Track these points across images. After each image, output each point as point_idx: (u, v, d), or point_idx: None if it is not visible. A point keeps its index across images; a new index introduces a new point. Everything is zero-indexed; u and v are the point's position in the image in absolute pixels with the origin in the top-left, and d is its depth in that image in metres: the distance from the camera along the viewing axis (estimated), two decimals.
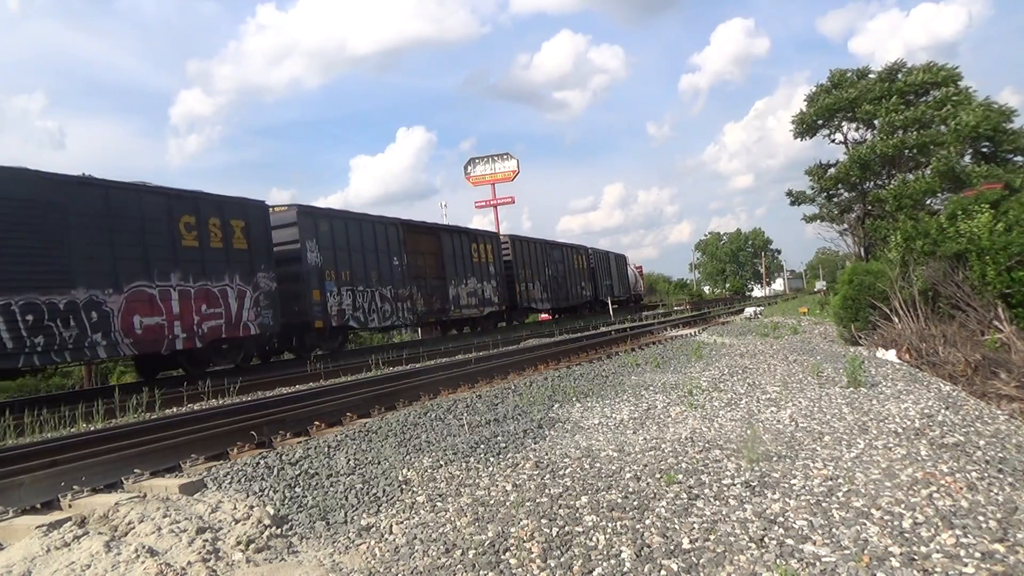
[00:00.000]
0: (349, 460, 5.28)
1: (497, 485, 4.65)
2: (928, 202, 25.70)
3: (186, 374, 14.00)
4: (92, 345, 11.40)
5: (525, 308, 28.31)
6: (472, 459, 5.33)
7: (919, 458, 4.83)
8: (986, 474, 4.53)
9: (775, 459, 4.91)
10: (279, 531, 3.97)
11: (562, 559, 3.41)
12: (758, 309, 25.94)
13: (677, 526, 3.73)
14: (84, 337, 11.26)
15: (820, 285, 63.55)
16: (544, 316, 33.27)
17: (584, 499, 4.24)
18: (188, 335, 13.10)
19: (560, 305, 31.38)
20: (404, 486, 4.74)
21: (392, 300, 19.47)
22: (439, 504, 4.36)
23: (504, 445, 5.76)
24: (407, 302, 20.09)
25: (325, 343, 17.77)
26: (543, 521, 3.89)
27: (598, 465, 4.99)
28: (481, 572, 3.33)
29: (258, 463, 5.13)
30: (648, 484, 4.45)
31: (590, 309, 35.43)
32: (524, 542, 3.60)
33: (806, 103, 31.30)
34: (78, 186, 11.62)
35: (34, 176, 11.04)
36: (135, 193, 12.63)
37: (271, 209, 16.03)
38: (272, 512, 4.17)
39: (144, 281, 12.43)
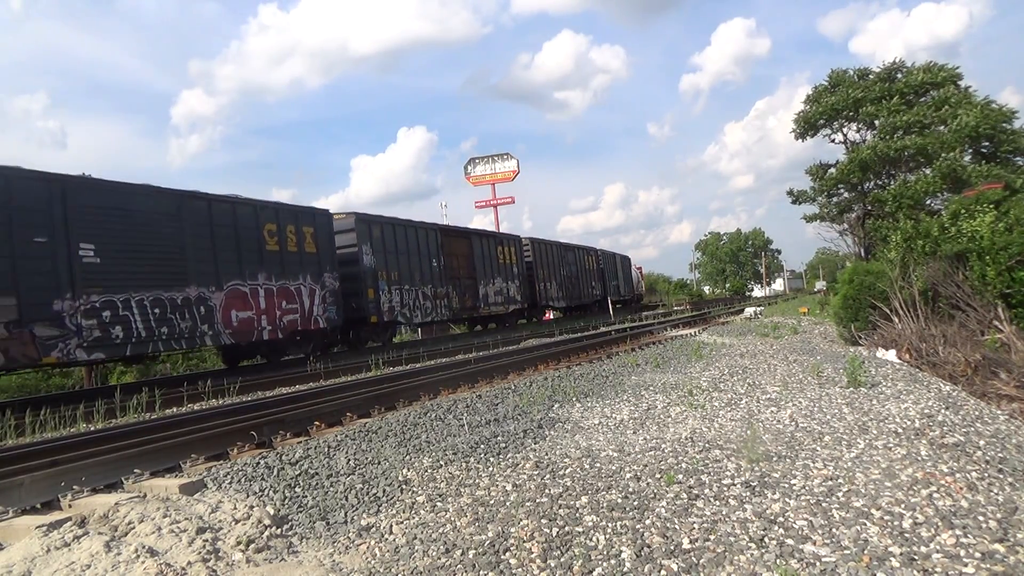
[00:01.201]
0: (349, 460, 5.28)
1: (497, 485, 4.65)
2: (928, 202, 25.70)
3: (267, 362, 16.18)
4: (201, 335, 13.42)
5: (544, 306, 30.12)
6: (472, 459, 5.32)
7: (919, 458, 4.82)
8: (986, 474, 4.53)
9: (775, 459, 4.90)
10: (279, 531, 3.97)
11: (562, 559, 3.41)
12: (758, 309, 25.95)
13: (677, 526, 3.73)
14: (196, 328, 13.28)
15: (820, 285, 63.53)
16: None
17: (584, 499, 4.24)
18: (272, 327, 15.15)
19: (573, 303, 33.10)
20: (404, 486, 4.74)
21: (432, 298, 21.40)
22: (439, 504, 4.36)
23: (504, 445, 5.75)
24: (444, 299, 22.03)
25: (377, 336, 19.84)
26: (543, 521, 3.89)
27: (598, 465, 4.99)
28: (481, 572, 3.33)
29: (258, 463, 5.12)
30: (648, 484, 4.45)
31: (600, 307, 36.82)
32: (524, 542, 3.60)
33: (807, 103, 31.31)
34: (189, 199, 13.72)
35: (159, 191, 13.22)
36: (230, 204, 14.64)
37: (333, 217, 17.95)
38: (272, 512, 4.17)
39: (239, 280, 14.46)
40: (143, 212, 12.65)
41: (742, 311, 27.19)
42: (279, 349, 16.15)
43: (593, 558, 3.40)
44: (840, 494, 4.10)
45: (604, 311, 35.96)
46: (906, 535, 3.48)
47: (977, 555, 3.24)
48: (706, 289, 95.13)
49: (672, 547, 3.46)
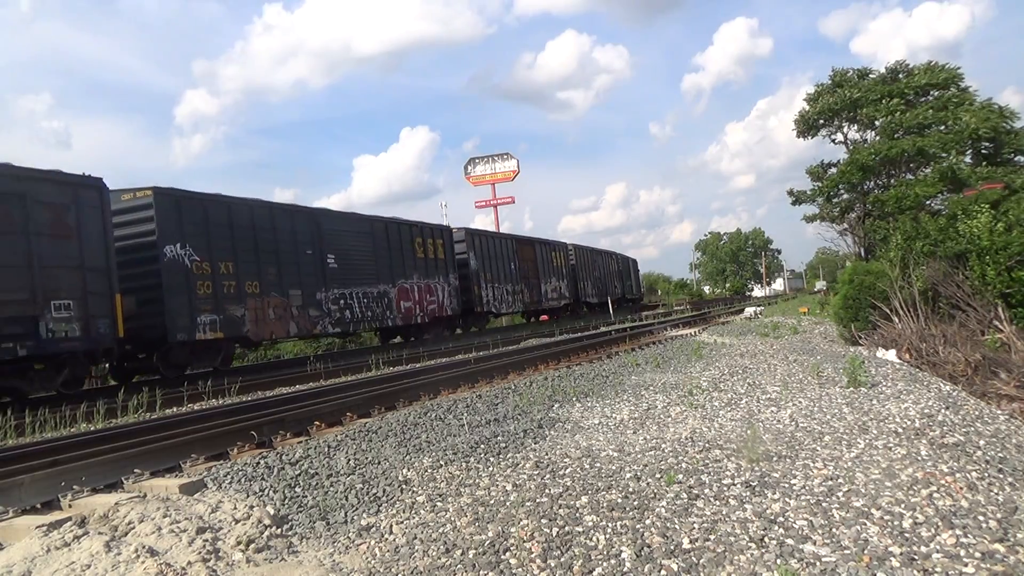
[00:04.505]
0: (349, 460, 5.28)
1: (497, 485, 4.65)
2: (928, 203, 25.69)
3: (404, 341, 21.20)
4: (385, 318, 19.27)
5: (583, 302, 35.39)
6: (472, 459, 5.32)
7: (919, 458, 4.82)
8: (986, 474, 4.53)
9: (775, 459, 4.91)
10: (279, 531, 3.97)
11: (562, 559, 3.41)
12: (758, 309, 25.95)
13: (677, 526, 3.73)
14: (383, 313, 19.11)
15: (820, 285, 63.52)
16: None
17: (584, 499, 4.24)
18: (422, 314, 20.95)
19: (602, 299, 37.99)
20: (404, 486, 4.74)
21: (511, 294, 26.98)
22: (439, 504, 4.36)
23: (504, 445, 5.75)
24: (520, 295, 27.64)
25: (478, 323, 25.77)
26: (543, 521, 3.89)
27: (598, 465, 4.99)
28: (481, 572, 3.33)
29: (258, 463, 5.12)
30: (648, 484, 4.45)
31: (619, 304, 40.79)
32: (524, 542, 3.60)
33: (807, 102, 31.34)
34: (375, 222, 19.74)
35: (360, 217, 19.52)
36: (396, 224, 20.56)
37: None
38: (272, 512, 4.17)
39: (403, 279, 20.17)
40: (353, 232, 18.40)
41: (742, 311, 27.19)
42: (422, 331, 21.39)
43: (593, 558, 3.40)
44: (840, 494, 4.10)
45: (623, 307, 38.88)
46: (906, 535, 3.48)
47: (977, 555, 3.24)
48: (706, 289, 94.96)
49: (672, 547, 3.46)
